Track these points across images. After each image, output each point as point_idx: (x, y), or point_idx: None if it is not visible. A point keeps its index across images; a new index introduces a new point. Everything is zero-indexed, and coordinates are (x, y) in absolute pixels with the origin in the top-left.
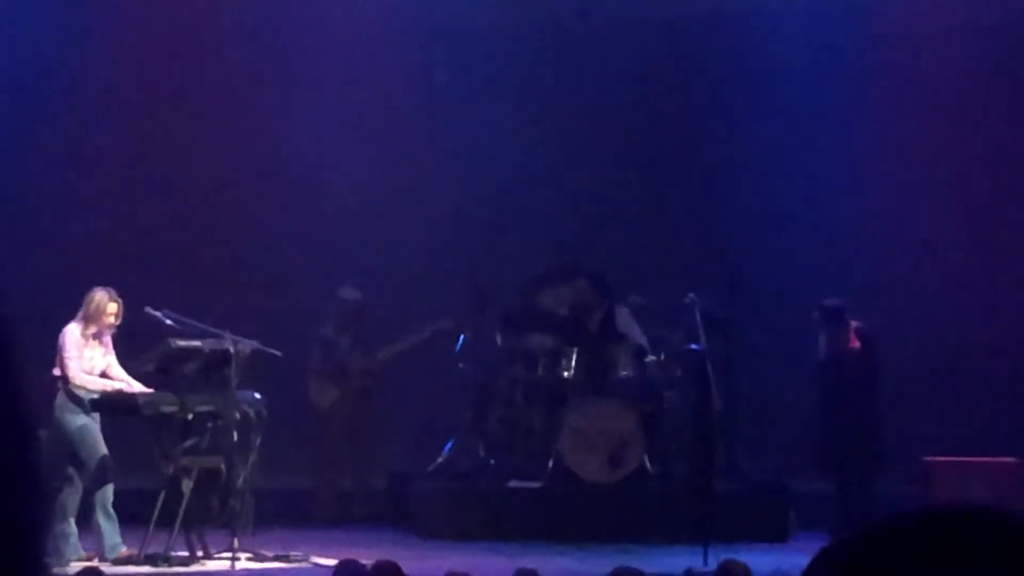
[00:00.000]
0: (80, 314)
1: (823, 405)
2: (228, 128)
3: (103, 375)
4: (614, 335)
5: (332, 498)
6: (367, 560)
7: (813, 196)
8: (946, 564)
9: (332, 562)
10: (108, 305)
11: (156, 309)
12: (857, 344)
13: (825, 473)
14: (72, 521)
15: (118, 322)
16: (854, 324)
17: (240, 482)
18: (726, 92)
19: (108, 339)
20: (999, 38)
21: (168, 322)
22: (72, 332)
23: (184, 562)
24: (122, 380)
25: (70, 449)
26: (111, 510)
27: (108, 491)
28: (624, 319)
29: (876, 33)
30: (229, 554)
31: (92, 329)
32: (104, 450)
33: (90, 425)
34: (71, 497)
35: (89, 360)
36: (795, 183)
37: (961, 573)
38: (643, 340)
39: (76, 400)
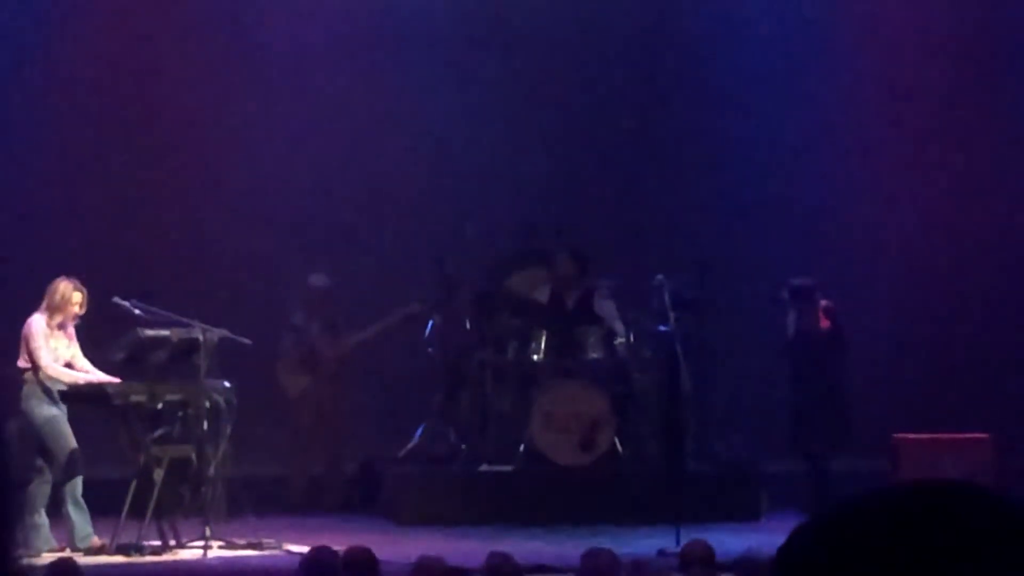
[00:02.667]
0: (44, 304)
1: (792, 383)
2: (195, 117)
3: (67, 365)
4: (589, 316)
5: (303, 485)
6: (339, 546)
7: (783, 177)
8: (919, 538)
9: (304, 549)
10: (73, 295)
11: (124, 299)
12: (826, 323)
13: (795, 451)
14: (43, 512)
15: (83, 311)
16: (823, 303)
17: (211, 470)
18: (696, 73)
19: (72, 329)
20: (973, 23)
21: (136, 312)
22: (38, 322)
23: (156, 551)
24: (88, 371)
25: (38, 440)
26: (81, 501)
27: (77, 482)
28: (601, 300)
29: (849, 18)
30: (201, 543)
31: (57, 319)
32: (72, 441)
33: (58, 416)
34: (41, 488)
35: (54, 350)
36: (765, 165)
37: (934, 547)
38: (618, 323)
39: (44, 391)
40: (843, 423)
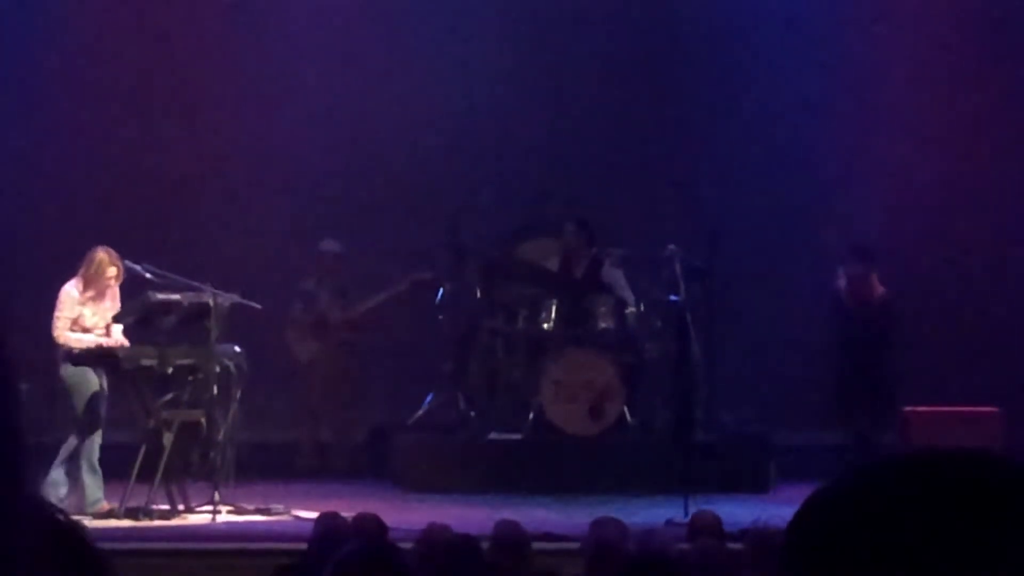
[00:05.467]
0: (80, 273)
1: (840, 353)
2: (204, 81)
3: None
4: (598, 285)
5: (313, 451)
6: (348, 513)
7: (796, 147)
8: (938, 506)
9: (313, 515)
10: (108, 269)
11: (136, 263)
12: (880, 292)
13: (838, 422)
14: (64, 470)
15: (118, 283)
16: (876, 276)
17: (220, 435)
18: (708, 41)
19: (115, 292)
20: None
21: (148, 275)
22: (69, 292)
23: (165, 515)
24: (113, 338)
25: (67, 400)
26: (96, 465)
27: (95, 446)
28: (610, 270)
29: None
30: (210, 507)
31: (91, 292)
32: (93, 401)
33: (85, 375)
34: (70, 448)
35: (92, 316)
36: (778, 134)
37: (952, 514)
38: (627, 292)
39: (69, 353)
40: (889, 397)
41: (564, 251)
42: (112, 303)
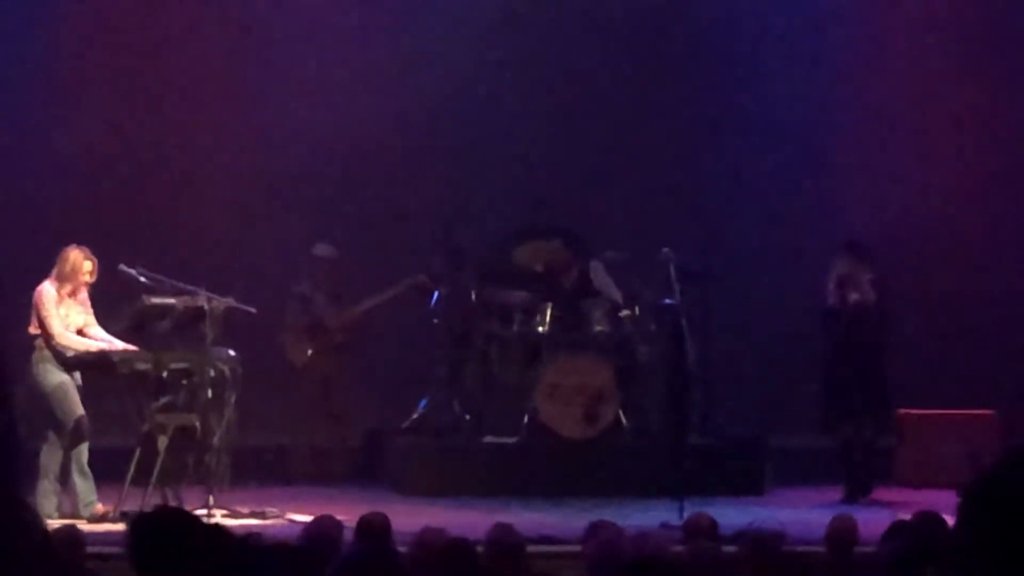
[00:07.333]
0: (54, 273)
1: (833, 357)
2: (198, 84)
3: (80, 333)
4: (589, 291)
5: (307, 455)
6: (343, 516)
7: (792, 149)
8: None
9: (308, 519)
10: (83, 264)
11: (130, 266)
12: (874, 296)
13: (832, 428)
14: (53, 479)
15: (93, 279)
16: (868, 276)
17: (215, 439)
18: (706, 44)
19: (85, 296)
20: None
21: (142, 279)
22: (47, 290)
23: None
24: (101, 338)
25: (47, 407)
26: (87, 468)
27: (83, 449)
28: (599, 275)
29: None
30: (204, 511)
31: (68, 288)
32: (80, 408)
33: (67, 383)
34: (52, 455)
35: (65, 317)
36: (774, 137)
37: None
38: (618, 296)
39: (53, 358)
40: (887, 401)
41: (550, 263)
42: (83, 307)
